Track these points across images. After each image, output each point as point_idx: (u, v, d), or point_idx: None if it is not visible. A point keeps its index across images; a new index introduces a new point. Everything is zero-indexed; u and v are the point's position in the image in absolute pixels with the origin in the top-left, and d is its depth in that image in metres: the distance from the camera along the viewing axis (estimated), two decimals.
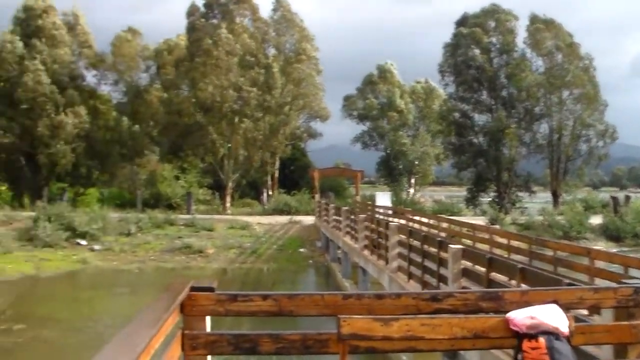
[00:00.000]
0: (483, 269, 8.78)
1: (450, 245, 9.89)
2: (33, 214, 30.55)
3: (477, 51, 44.31)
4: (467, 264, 9.71)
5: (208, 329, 4.01)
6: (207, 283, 4.08)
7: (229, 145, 42.46)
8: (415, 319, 3.64)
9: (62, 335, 15.14)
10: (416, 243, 12.54)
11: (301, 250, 28.94)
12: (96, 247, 27.96)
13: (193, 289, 3.97)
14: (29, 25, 44.35)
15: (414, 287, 12.12)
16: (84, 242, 28.31)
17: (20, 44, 42.87)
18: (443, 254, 10.34)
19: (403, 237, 13.79)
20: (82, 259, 26.12)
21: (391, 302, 3.92)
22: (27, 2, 45.24)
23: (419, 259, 12.08)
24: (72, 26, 46.15)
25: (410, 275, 12.74)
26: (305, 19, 44.76)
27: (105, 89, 48.28)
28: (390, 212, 31.02)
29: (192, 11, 42.77)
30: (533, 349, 3.47)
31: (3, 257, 25.69)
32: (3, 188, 49.28)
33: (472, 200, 45.45)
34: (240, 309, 3.97)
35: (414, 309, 3.87)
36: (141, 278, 24.05)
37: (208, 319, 4.02)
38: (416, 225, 22.91)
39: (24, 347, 13.98)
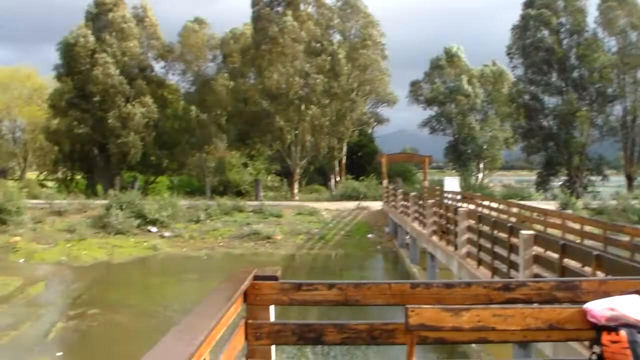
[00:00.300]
0: (556, 256, 8.46)
1: (522, 231, 9.60)
2: (106, 202, 31.25)
3: (546, 32, 43.04)
4: (539, 250, 9.41)
5: (272, 319, 3.95)
6: (271, 272, 4.02)
7: (296, 132, 42.57)
8: (486, 309, 3.47)
9: (134, 319, 15.42)
10: (486, 229, 12.26)
11: (369, 236, 28.78)
12: (166, 234, 28.41)
13: (256, 277, 3.91)
14: (100, 20, 45.41)
15: (483, 273, 11.89)
16: (154, 229, 28.81)
17: (92, 38, 43.94)
18: (514, 240, 10.07)
19: (472, 222, 13.53)
20: (152, 246, 26.59)
21: (461, 292, 3.78)
22: None
23: (488, 245, 11.81)
24: (141, 18, 47.02)
25: (480, 262, 12.48)
26: (369, 4, 44.41)
27: (173, 79, 49.07)
28: (458, 197, 30.57)
29: (256, 0, 42.91)
30: (613, 342, 3.25)
31: (78, 244, 26.40)
32: (78, 177, 50.72)
33: (542, 185, 44.35)
34: (305, 298, 3.90)
35: (484, 298, 3.73)
36: (210, 264, 24.33)
37: (272, 308, 3.96)
38: (485, 211, 22.53)
39: (98, 330, 14.30)
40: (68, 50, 44.76)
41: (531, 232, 9.83)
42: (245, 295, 3.81)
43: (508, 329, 3.45)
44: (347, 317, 10.89)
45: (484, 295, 3.73)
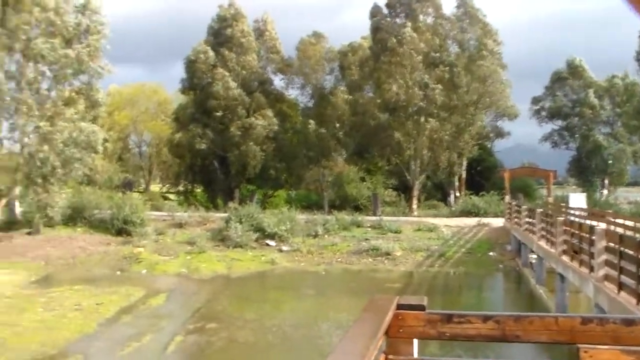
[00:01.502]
0: None
1: None
2: (225, 215, 31.59)
3: None
4: None
5: (415, 354, 3.37)
6: (416, 300, 3.43)
7: (415, 145, 41.80)
8: None
9: (251, 335, 15.20)
10: (629, 250, 11.17)
11: (490, 254, 27.59)
12: (284, 248, 28.31)
13: (400, 306, 3.34)
14: (220, 35, 46.38)
15: (626, 299, 10.86)
16: (272, 243, 28.79)
17: (211, 54, 44.93)
18: None
19: (611, 243, 12.44)
20: (270, 260, 26.53)
21: None
22: (220, 12, 47.34)
23: (632, 268, 10.75)
24: (261, 32, 47.67)
25: (621, 286, 11.41)
26: (487, 14, 43.10)
27: (292, 93, 49.43)
28: (585, 214, 28.87)
29: (375, 12, 42.66)
30: None
31: (198, 257, 26.71)
32: (199, 190, 51.90)
33: None
34: (455, 331, 3.28)
35: None
36: (328, 280, 23.97)
37: (415, 342, 3.39)
38: (619, 229, 21.06)
39: (216, 345, 14.15)
40: (191, 66, 45.97)
41: None
42: (387, 327, 3.24)
43: None
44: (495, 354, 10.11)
45: None
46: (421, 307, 3.35)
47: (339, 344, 2.67)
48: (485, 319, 3.25)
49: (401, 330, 3.32)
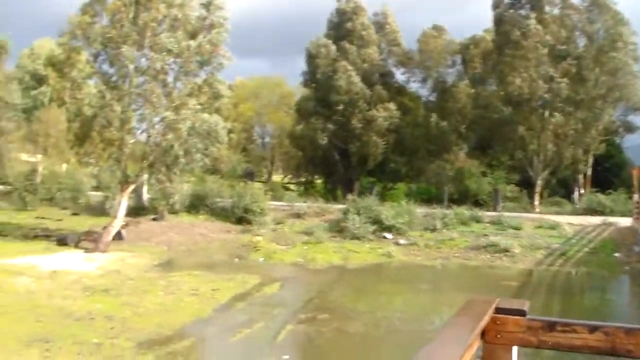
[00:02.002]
0: None
1: None
2: (343, 206, 31.71)
3: None
4: None
5: None
6: (517, 304, 3.20)
7: (539, 140, 40.42)
8: None
9: (362, 328, 15.13)
10: None
11: (615, 255, 26.18)
12: (401, 241, 28.09)
13: (498, 310, 3.13)
14: (341, 28, 46.61)
15: None
16: (389, 236, 28.63)
17: (333, 47, 45.22)
18: None
19: None
20: (386, 253, 26.37)
21: None
22: (339, 6, 47.61)
23: None
24: (381, 25, 47.58)
25: None
26: (618, 2, 40.81)
27: (413, 87, 49.07)
28: None
29: (497, 3, 41.52)
30: None
31: (315, 247, 26.94)
32: (319, 182, 52.49)
33: None
34: (559, 340, 3.02)
35: None
36: (444, 275, 23.58)
37: (515, 349, 3.17)
38: None
39: (326, 337, 14.18)
40: (312, 59, 46.48)
41: None
42: (484, 331, 3.03)
43: None
44: None
45: None
46: (522, 312, 3.13)
47: (426, 347, 2.50)
48: (593, 329, 2.98)
49: (499, 336, 3.12)
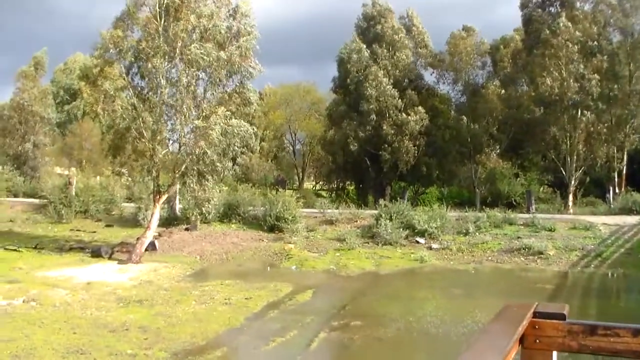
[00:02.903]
0: None
1: None
2: (375, 212, 31.62)
3: None
4: None
5: None
6: (556, 308, 3.13)
7: (570, 140, 39.91)
8: None
9: (395, 334, 15.08)
10: None
11: None
12: (434, 245, 27.92)
13: (536, 314, 3.07)
14: (369, 32, 46.59)
15: None
16: (422, 241, 28.48)
17: (364, 52, 45.25)
18: None
19: None
20: (419, 257, 26.20)
21: None
22: (365, 11, 47.65)
23: None
24: (408, 28, 47.50)
25: None
26: None
27: (443, 89, 48.87)
28: None
29: (525, 3, 41.14)
30: None
31: (347, 253, 26.89)
32: (351, 188, 52.45)
33: None
34: (600, 345, 2.90)
35: None
36: (477, 279, 23.37)
37: (554, 355, 3.10)
38: None
39: (359, 344, 14.13)
40: (342, 65, 46.54)
41: None
42: (522, 336, 2.96)
43: None
44: None
45: None
46: (561, 316, 3.05)
47: (463, 356, 2.45)
48: (636, 332, 2.87)
49: (538, 341, 3.01)
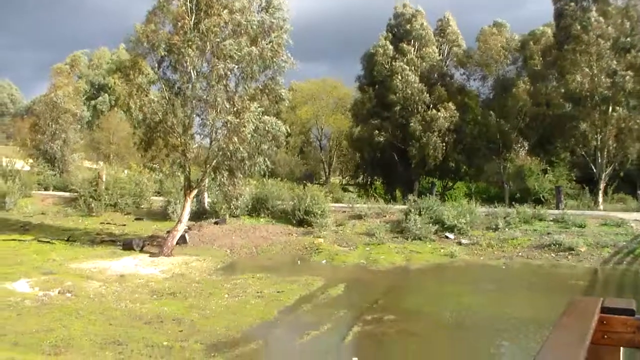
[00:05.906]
0: None
1: None
2: (404, 207, 31.55)
3: None
4: None
5: None
6: (624, 303, 3.08)
7: (601, 136, 39.46)
8: None
9: (427, 329, 15.05)
10: None
11: None
12: (463, 241, 27.80)
13: (605, 309, 3.02)
14: (399, 30, 46.65)
15: None
16: (451, 236, 28.37)
17: (391, 47, 45.29)
18: None
19: None
20: (449, 253, 26.12)
21: None
22: (397, 10, 47.77)
23: None
24: (442, 27, 47.60)
25: None
26: None
27: (473, 85, 48.68)
28: None
29: None
30: None
31: (376, 248, 26.86)
32: (378, 183, 52.35)
33: None
34: None
35: None
36: (507, 274, 23.21)
37: (622, 351, 3.07)
38: None
39: (392, 338, 14.12)
40: (369, 61, 46.57)
41: None
42: None
43: None
44: None
45: None
46: (630, 312, 3.01)
47: (540, 353, 2.42)
48: None
49: (605, 337, 2.98)
